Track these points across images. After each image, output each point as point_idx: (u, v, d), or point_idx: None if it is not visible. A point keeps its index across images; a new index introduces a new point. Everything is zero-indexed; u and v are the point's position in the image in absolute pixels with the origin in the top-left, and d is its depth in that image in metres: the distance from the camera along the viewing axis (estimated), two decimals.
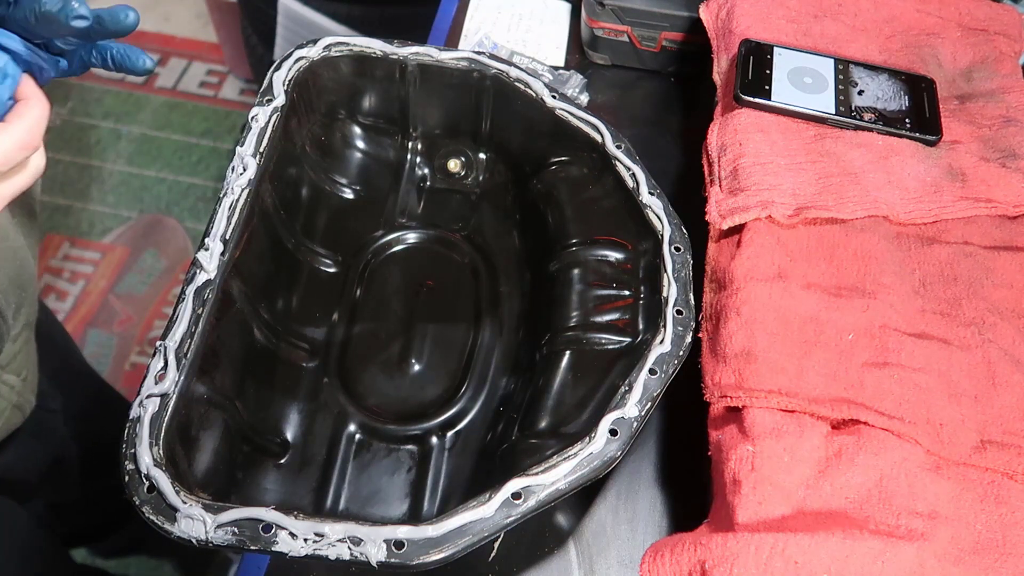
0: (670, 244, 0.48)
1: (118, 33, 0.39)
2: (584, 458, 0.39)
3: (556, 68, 0.72)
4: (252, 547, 0.36)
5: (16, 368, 0.60)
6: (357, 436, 0.52)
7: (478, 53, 0.57)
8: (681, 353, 0.44)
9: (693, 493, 0.48)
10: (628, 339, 0.48)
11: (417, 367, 0.55)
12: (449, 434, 0.52)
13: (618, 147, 0.52)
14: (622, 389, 0.42)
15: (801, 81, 0.55)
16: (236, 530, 0.36)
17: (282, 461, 0.50)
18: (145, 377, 0.41)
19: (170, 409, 0.40)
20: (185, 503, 0.37)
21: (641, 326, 0.47)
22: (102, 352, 1.41)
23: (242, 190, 0.48)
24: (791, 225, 0.48)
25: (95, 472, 0.85)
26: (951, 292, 0.47)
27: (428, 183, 0.63)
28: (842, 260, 0.47)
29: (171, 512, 0.37)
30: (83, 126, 1.70)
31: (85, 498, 0.89)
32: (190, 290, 0.44)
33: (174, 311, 0.43)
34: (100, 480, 0.87)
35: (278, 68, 0.54)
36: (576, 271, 0.53)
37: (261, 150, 0.50)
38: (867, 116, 0.54)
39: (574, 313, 0.51)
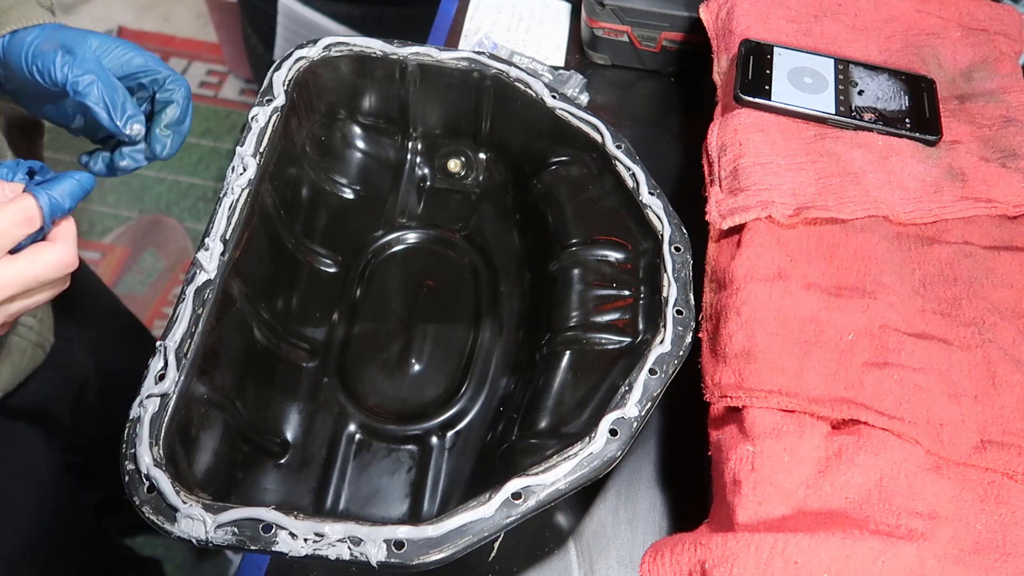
0: (670, 244, 0.48)
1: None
2: (584, 458, 0.39)
3: (556, 68, 0.72)
4: (252, 547, 0.36)
5: (31, 311, 0.63)
6: (357, 436, 0.52)
7: (478, 53, 0.57)
8: (681, 353, 0.44)
9: (693, 493, 0.48)
10: (628, 339, 0.48)
11: (417, 367, 0.55)
12: (449, 434, 0.52)
13: (618, 147, 0.52)
14: (622, 389, 0.42)
15: (801, 81, 0.55)
16: (236, 530, 0.36)
17: (282, 461, 0.50)
18: (145, 377, 0.41)
19: (170, 409, 0.40)
20: (185, 503, 0.37)
21: (641, 326, 0.47)
22: None
23: (242, 190, 0.48)
24: (791, 225, 0.48)
25: (114, 403, 0.85)
26: (951, 292, 0.47)
27: (428, 183, 0.63)
28: (842, 260, 0.47)
29: (171, 512, 0.37)
30: None
31: (104, 436, 0.88)
32: (190, 290, 0.44)
33: (174, 311, 0.43)
34: (119, 415, 0.87)
35: (278, 68, 0.54)
36: (576, 271, 0.53)
37: (261, 150, 0.50)
38: (867, 116, 0.54)
39: (574, 313, 0.51)
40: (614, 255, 0.52)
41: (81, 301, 0.80)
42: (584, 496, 0.50)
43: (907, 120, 0.54)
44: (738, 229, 0.49)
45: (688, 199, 0.53)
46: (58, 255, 0.39)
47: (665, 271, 0.47)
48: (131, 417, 0.39)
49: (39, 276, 0.39)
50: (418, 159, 0.63)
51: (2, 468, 0.69)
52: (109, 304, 0.90)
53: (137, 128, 0.44)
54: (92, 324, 0.81)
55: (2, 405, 0.65)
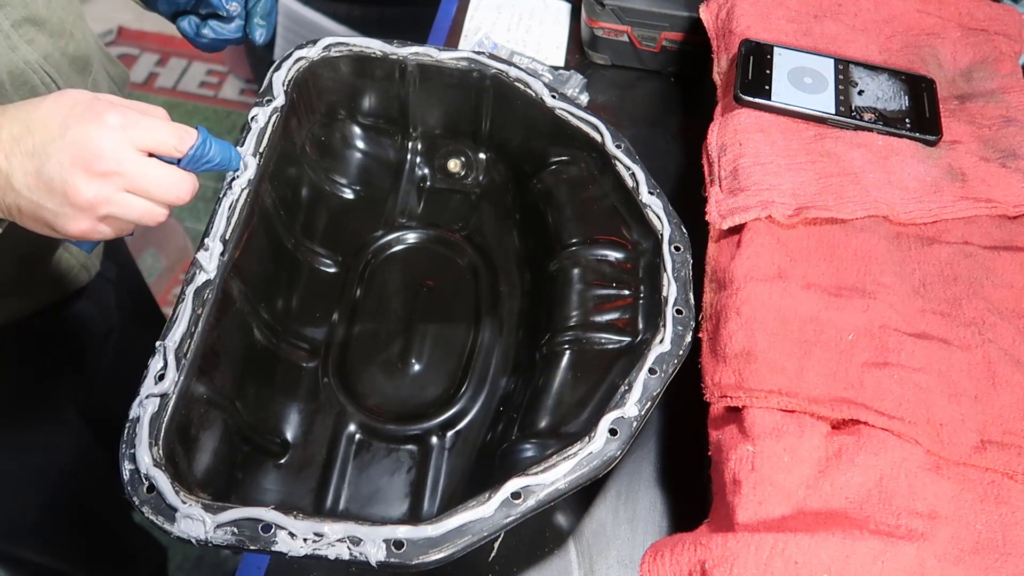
0: (670, 244, 0.48)
1: None
2: (584, 458, 0.39)
3: (556, 68, 0.72)
4: (252, 547, 0.36)
5: None
6: (357, 436, 0.52)
7: (478, 53, 0.57)
8: (681, 352, 0.44)
9: (693, 493, 0.48)
10: (628, 338, 0.48)
11: (417, 367, 0.55)
12: (449, 434, 0.52)
13: (618, 147, 0.52)
14: (622, 388, 0.42)
15: (801, 81, 0.55)
16: (236, 530, 0.36)
17: (282, 461, 0.50)
18: (145, 377, 0.41)
19: (170, 409, 0.40)
20: (184, 503, 0.37)
21: (641, 325, 0.47)
22: None
23: (242, 190, 0.48)
24: (791, 225, 0.48)
25: (125, 375, 0.87)
26: (951, 292, 0.47)
27: (428, 183, 0.63)
28: (842, 260, 0.47)
29: (170, 512, 0.37)
30: None
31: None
32: (190, 290, 0.44)
33: (174, 311, 0.43)
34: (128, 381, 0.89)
35: (278, 68, 0.54)
36: (576, 271, 0.53)
37: (261, 150, 0.50)
38: (867, 116, 0.54)
39: (574, 313, 0.51)
40: (614, 255, 0.52)
41: (123, 252, 0.85)
42: (584, 496, 0.49)
43: (907, 120, 0.54)
44: (738, 229, 0.49)
45: (688, 199, 0.53)
46: (180, 178, 0.42)
47: (665, 270, 0.47)
48: (131, 417, 0.39)
49: (156, 178, 0.41)
50: (418, 159, 0.63)
51: (33, 394, 0.71)
52: (140, 280, 0.95)
53: (235, 6, 0.52)
54: (126, 281, 0.85)
55: (42, 329, 0.68)
